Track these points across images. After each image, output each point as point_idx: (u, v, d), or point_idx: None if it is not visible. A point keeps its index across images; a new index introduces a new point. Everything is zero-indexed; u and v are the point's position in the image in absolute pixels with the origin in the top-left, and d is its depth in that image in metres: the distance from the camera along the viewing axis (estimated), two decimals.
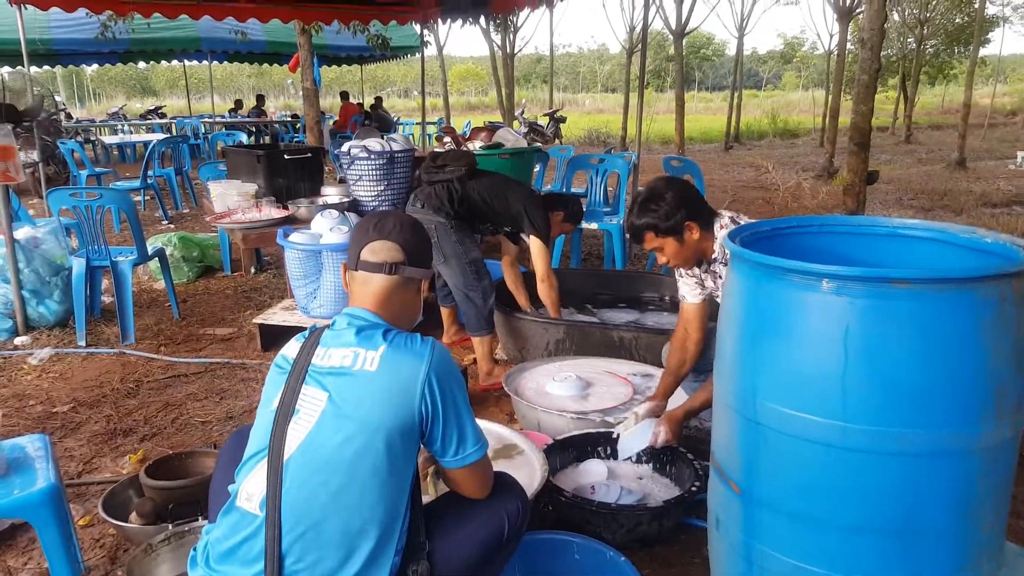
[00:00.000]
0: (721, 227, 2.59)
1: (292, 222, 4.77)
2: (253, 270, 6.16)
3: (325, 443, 1.62)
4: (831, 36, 21.90)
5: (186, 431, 3.47)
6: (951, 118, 26.51)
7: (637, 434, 2.82)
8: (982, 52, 15.25)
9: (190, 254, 6.03)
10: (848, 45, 15.29)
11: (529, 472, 2.65)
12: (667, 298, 4.77)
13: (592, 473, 2.88)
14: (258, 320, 4.44)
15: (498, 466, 2.69)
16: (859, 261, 2.06)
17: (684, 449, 2.80)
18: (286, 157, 5.31)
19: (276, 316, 4.48)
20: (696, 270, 2.76)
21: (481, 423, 3.00)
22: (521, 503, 1.93)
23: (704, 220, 2.58)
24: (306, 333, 1.83)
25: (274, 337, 4.49)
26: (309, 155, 5.46)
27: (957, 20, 23.10)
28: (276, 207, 4.95)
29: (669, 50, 32.52)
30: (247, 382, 4.00)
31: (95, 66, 23.44)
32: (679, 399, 2.98)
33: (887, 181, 11.25)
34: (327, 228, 4.36)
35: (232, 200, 4.99)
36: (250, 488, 1.65)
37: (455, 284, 3.98)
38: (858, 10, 15.20)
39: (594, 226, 5.96)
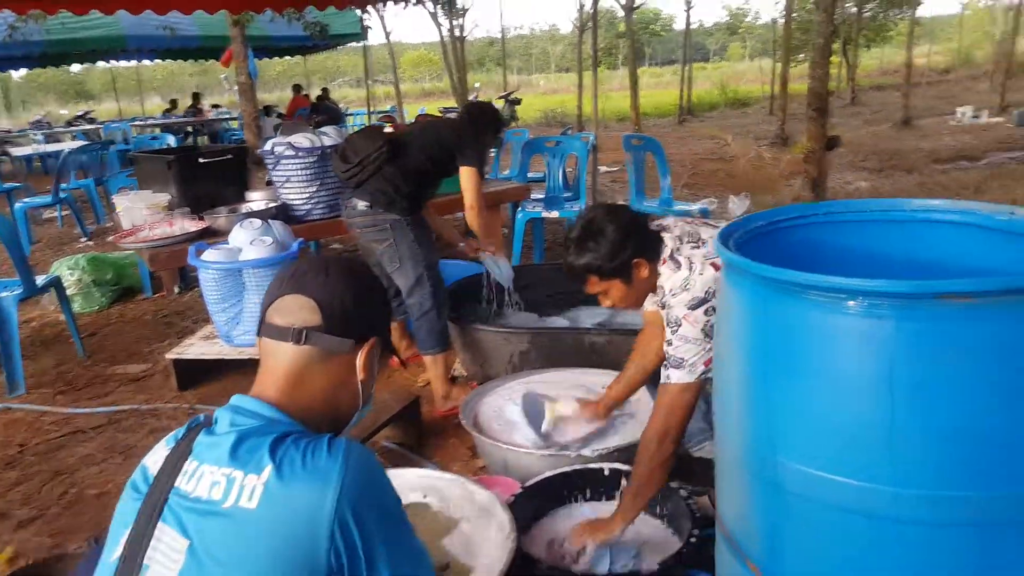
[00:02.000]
0: (662, 261, 2.12)
1: (210, 236, 4.10)
2: (177, 290, 5.46)
3: None
4: (775, 3, 21.60)
5: (77, 509, 2.81)
6: (891, 79, 27.57)
7: None
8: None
9: (103, 277, 5.31)
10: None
11: (497, 542, 2.07)
12: None
13: (573, 521, 2.35)
14: (172, 355, 3.77)
15: (458, 535, 2.15)
16: (878, 256, 1.67)
17: (676, 484, 2.31)
18: (201, 161, 4.62)
19: (194, 348, 3.82)
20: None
21: (434, 475, 2.40)
22: None
23: (653, 252, 2.13)
24: (180, 432, 1.27)
25: (193, 374, 3.83)
26: (229, 157, 4.78)
27: None
28: (191, 219, 4.27)
29: (619, 27, 32.15)
30: (157, 434, 3.33)
31: (23, 71, 22.27)
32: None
33: None
34: (247, 241, 3.70)
35: (140, 214, 4.31)
36: None
37: (407, 292, 3.44)
38: None
39: (555, 214, 5.37)
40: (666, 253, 2.12)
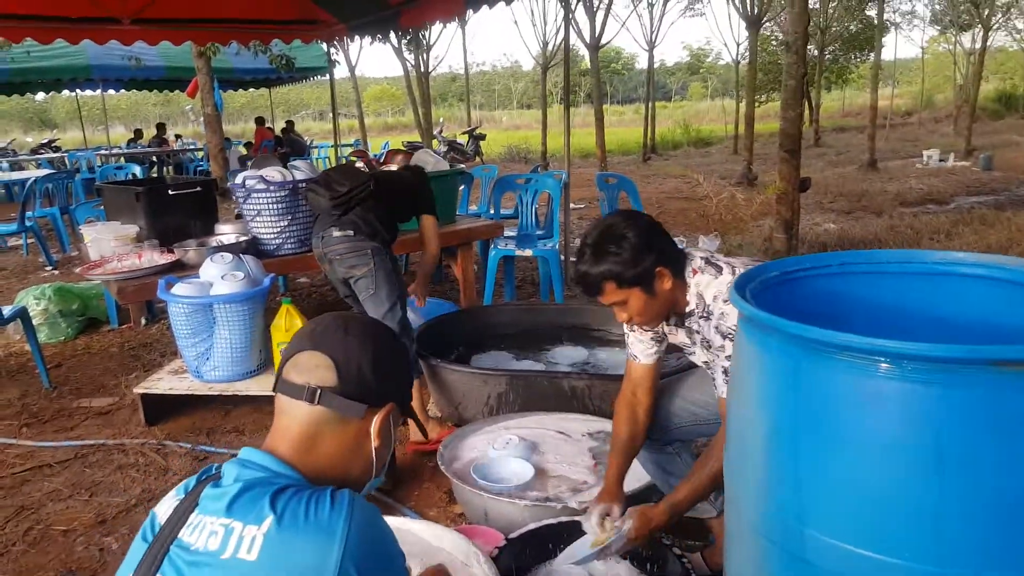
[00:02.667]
0: (695, 271, 2.04)
1: (179, 269, 4.08)
2: (144, 322, 5.40)
3: None
4: (738, 44, 22.11)
5: (42, 546, 2.75)
6: (853, 120, 28.01)
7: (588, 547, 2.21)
8: None
9: (69, 307, 5.23)
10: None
11: None
12: (615, 331, 4.26)
13: None
14: (140, 389, 3.73)
15: None
16: (898, 311, 1.57)
17: (667, 540, 2.25)
18: (170, 193, 4.60)
19: (163, 382, 3.78)
20: (661, 326, 2.22)
21: (412, 525, 2.35)
22: None
23: (676, 264, 2.02)
24: (191, 483, 1.26)
25: (161, 409, 3.79)
26: (199, 189, 4.76)
27: (852, 27, 23.89)
28: (160, 252, 4.25)
29: (582, 64, 32.55)
30: (125, 470, 3.29)
31: None
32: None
33: None
34: (218, 275, 3.69)
35: (108, 246, 4.27)
36: None
37: (380, 319, 3.41)
38: (765, 19, 15.22)
39: (528, 252, 5.41)
40: (696, 264, 2.03)
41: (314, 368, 1.26)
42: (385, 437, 1.32)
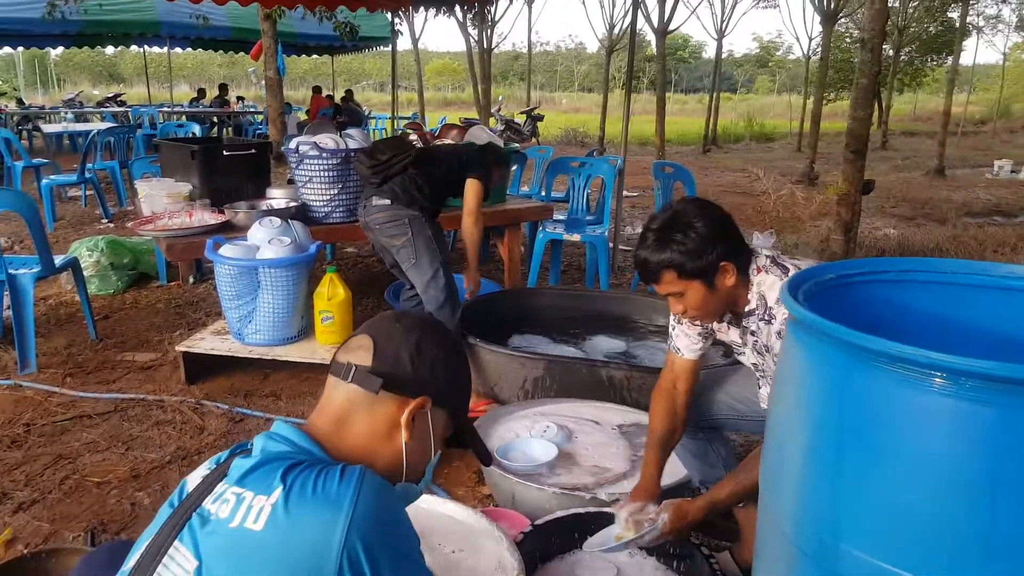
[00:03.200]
0: (759, 269, 1.95)
1: (228, 230, 4.09)
2: (192, 280, 5.45)
3: None
4: (810, 39, 21.55)
5: (76, 496, 2.79)
6: (923, 125, 27.16)
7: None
8: None
9: (120, 261, 5.31)
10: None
11: None
12: (657, 325, 4.19)
13: (580, 567, 2.25)
14: (182, 347, 3.76)
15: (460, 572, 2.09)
16: (958, 325, 1.48)
17: (695, 539, 2.19)
18: (225, 153, 4.62)
19: (204, 342, 3.81)
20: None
21: (435, 503, 2.35)
22: None
23: (742, 260, 1.92)
24: (225, 454, 1.26)
25: (202, 368, 3.82)
26: (253, 151, 4.78)
27: (931, 29, 23.11)
28: (211, 211, 4.27)
29: (647, 50, 32.16)
30: (162, 426, 3.32)
31: (60, 49, 22.45)
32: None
33: None
34: (266, 239, 3.70)
35: (160, 202, 4.31)
36: None
37: (424, 287, 3.54)
38: (841, 14, 14.81)
39: (576, 237, 5.34)
40: (761, 262, 1.95)
41: (356, 348, 1.28)
42: (420, 437, 1.29)
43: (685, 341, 2.19)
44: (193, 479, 1.23)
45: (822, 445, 1.22)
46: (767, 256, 1.97)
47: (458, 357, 1.38)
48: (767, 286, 1.92)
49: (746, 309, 1.98)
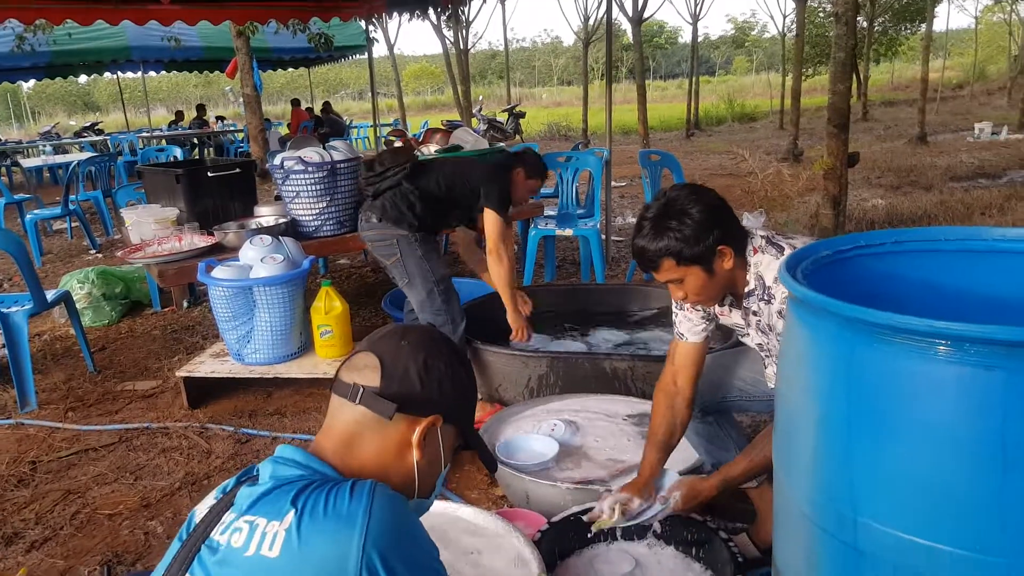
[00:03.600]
0: (755, 250, 1.95)
1: (219, 251, 4.07)
2: (186, 304, 5.43)
3: None
4: (784, 17, 21.57)
5: (88, 530, 2.77)
6: (901, 94, 27.21)
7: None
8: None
9: (112, 290, 5.28)
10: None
11: None
12: (656, 311, 4.18)
13: (599, 561, 2.24)
14: (183, 372, 3.74)
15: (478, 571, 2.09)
16: (954, 291, 1.51)
17: (713, 524, 2.20)
18: (210, 175, 4.60)
19: (204, 366, 3.78)
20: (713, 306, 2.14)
21: (449, 508, 2.35)
22: None
23: (738, 243, 1.93)
24: (232, 482, 1.24)
25: (203, 392, 3.80)
26: (238, 170, 4.76)
27: None
28: (200, 234, 4.25)
29: (623, 39, 32.18)
30: (169, 453, 3.30)
31: (32, 82, 22.39)
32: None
33: None
34: (258, 258, 3.68)
35: (148, 229, 4.28)
36: None
37: (420, 309, 3.43)
38: None
39: (569, 232, 5.33)
40: (756, 242, 1.95)
41: (363, 368, 1.25)
42: (430, 454, 1.27)
43: (688, 325, 2.19)
44: (200, 510, 1.21)
45: (832, 421, 1.24)
46: (762, 236, 1.97)
47: (464, 370, 1.35)
48: (764, 266, 1.92)
49: (745, 290, 1.98)
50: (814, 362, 1.28)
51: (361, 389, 1.22)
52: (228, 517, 1.14)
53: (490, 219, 3.43)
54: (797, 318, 1.33)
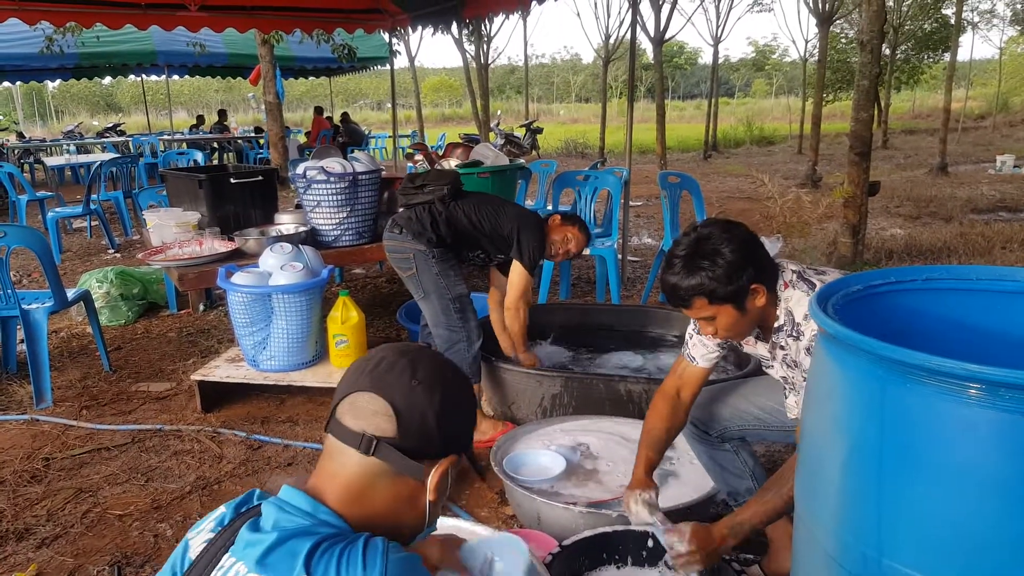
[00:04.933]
0: (785, 285, 1.93)
1: (239, 257, 4.10)
2: (202, 308, 5.46)
3: None
4: (806, 42, 21.60)
5: (98, 530, 2.78)
6: (922, 123, 26.95)
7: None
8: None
9: (130, 291, 5.32)
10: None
11: None
12: (673, 335, 4.18)
13: None
14: (197, 376, 3.76)
15: None
16: (987, 332, 1.47)
17: (726, 556, 2.17)
18: (232, 181, 4.63)
19: (219, 370, 3.80)
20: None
21: (460, 525, 2.36)
22: None
23: (770, 280, 1.91)
24: (227, 517, 1.15)
25: (217, 396, 3.81)
26: (260, 178, 4.79)
27: (926, 26, 23.09)
28: (221, 240, 4.28)
29: (644, 58, 32.22)
30: (180, 456, 3.31)
31: (58, 82, 22.63)
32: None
33: None
34: (277, 266, 3.70)
35: (170, 232, 4.32)
36: None
37: (435, 324, 3.41)
38: (836, 16, 14.82)
39: (586, 251, 5.31)
40: (787, 277, 1.94)
41: (372, 415, 1.14)
42: (442, 491, 1.20)
43: (702, 351, 2.18)
44: (195, 542, 1.14)
45: (861, 460, 1.21)
46: (793, 271, 1.96)
47: (469, 396, 1.27)
48: (794, 302, 1.91)
49: (775, 325, 1.96)
50: (844, 398, 1.26)
51: (375, 440, 1.12)
52: (227, 560, 1.07)
53: (517, 273, 3.41)
54: (828, 353, 1.31)
